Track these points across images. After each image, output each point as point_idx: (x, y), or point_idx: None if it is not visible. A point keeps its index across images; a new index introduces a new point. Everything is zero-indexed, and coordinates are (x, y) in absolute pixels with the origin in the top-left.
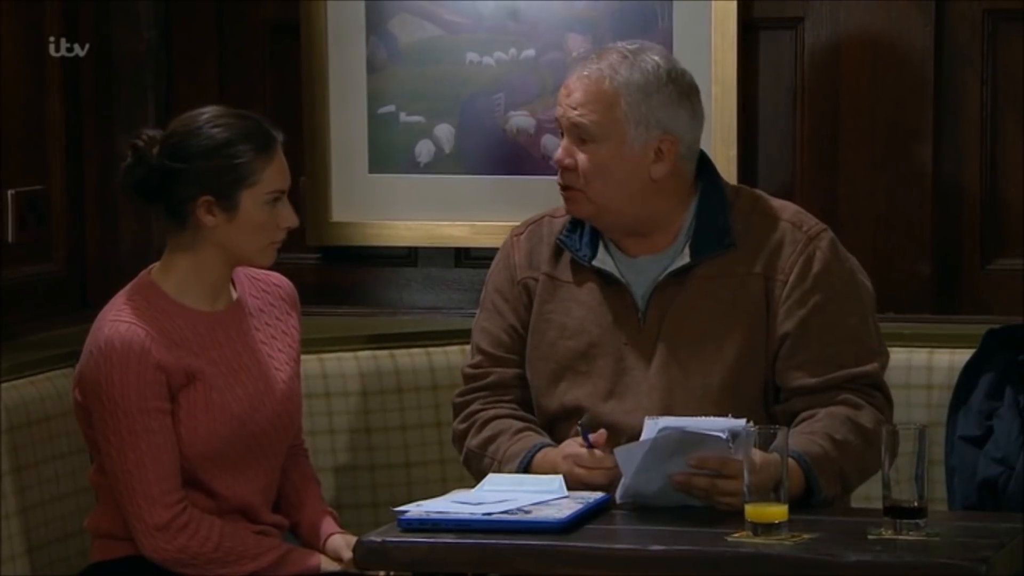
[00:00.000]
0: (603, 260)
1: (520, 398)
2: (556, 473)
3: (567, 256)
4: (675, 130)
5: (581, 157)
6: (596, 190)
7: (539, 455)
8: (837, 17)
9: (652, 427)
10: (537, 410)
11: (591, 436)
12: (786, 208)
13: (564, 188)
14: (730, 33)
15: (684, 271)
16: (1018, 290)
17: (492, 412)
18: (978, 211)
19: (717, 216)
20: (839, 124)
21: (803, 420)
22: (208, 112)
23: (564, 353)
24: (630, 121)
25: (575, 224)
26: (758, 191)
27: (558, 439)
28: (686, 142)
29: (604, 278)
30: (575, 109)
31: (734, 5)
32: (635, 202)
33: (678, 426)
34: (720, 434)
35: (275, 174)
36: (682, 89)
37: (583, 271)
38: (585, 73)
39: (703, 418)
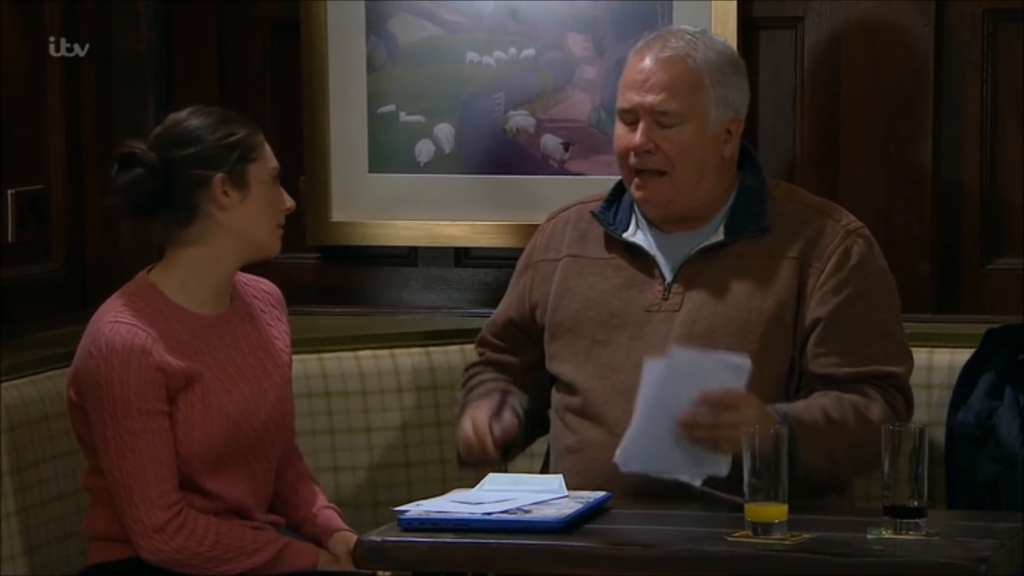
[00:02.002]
0: (634, 234)
1: (513, 378)
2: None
3: (599, 234)
4: (741, 111)
5: (663, 140)
6: (680, 172)
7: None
8: (837, 16)
9: (652, 367)
10: (564, 381)
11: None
12: (825, 203)
13: (641, 172)
14: (730, 33)
15: (717, 248)
16: (1018, 290)
17: (480, 376)
18: (978, 211)
19: (755, 202)
20: (839, 124)
21: (814, 396)
22: (184, 111)
23: (585, 324)
24: (712, 102)
25: (610, 202)
26: (797, 186)
27: (584, 407)
28: (744, 121)
29: (633, 252)
30: (658, 93)
31: (734, 5)
32: (709, 183)
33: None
34: (735, 359)
35: (269, 153)
36: (744, 70)
37: (614, 246)
38: (664, 55)
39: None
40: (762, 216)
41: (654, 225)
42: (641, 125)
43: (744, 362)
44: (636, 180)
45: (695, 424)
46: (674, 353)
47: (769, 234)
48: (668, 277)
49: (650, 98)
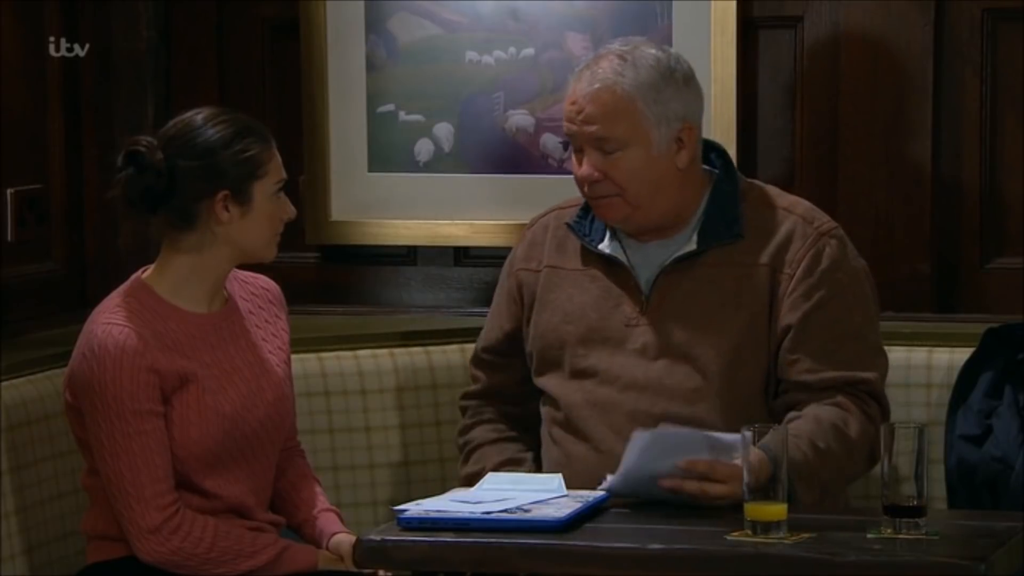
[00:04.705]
0: (610, 245)
1: (502, 407)
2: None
3: (576, 244)
4: (690, 117)
5: (609, 167)
6: (633, 193)
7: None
8: (836, 16)
9: (639, 439)
10: (549, 395)
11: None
12: (799, 204)
13: (597, 198)
14: (729, 32)
15: (691, 257)
16: (1018, 289)
17: (477, 439)
18: (978, 210)
19: (728, 207)
20: (838, 123)
21: (792, 420)
22: (202, 113)
23: (564, 338)
24: (651, 122)
25: (586, 211)
26: (772, 187)
27: (567, 422)
28: (699, 125)
29: (609, 263)
30: (592, 124)
31: (733, 4)
32: (670, 196)
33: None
34: (722, 436)
35: (277, 165)
36: (685, 74)
37: (590, 257)
38: (594, 87)
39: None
40: (735, 222)
41: (629, 235)
42: (585, 156)
43: (735, 439)
44: (593, 203)
45: (680, 489)
46: (662, 428)
47: (742, 240)
48: (644, 289)
49: (586, 129)
